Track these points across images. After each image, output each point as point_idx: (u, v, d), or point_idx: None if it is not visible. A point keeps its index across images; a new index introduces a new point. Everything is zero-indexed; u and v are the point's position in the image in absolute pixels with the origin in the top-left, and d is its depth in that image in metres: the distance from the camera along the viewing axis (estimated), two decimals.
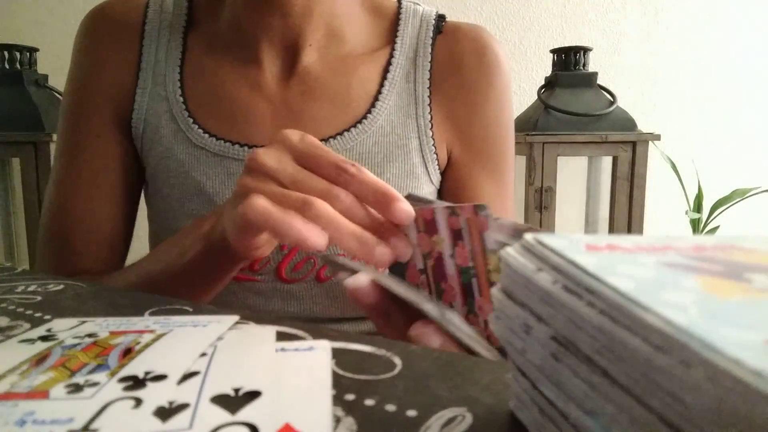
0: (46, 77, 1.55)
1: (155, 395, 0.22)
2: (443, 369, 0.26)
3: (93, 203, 0.60)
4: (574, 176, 1.74)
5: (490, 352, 0.30)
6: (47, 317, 0.33)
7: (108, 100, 0.60)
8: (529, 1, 1.82)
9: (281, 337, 0.29)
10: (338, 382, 0.24)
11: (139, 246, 0.64)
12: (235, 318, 0.32)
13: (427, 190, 0.61)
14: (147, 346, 0.28)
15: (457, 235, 0.35)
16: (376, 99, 0.59)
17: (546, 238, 0.20)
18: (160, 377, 0.24)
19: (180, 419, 0.21)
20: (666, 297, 0.15)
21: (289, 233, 0.33)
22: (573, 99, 1.50)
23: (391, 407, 0.22)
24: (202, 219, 0.47)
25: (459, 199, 0.62)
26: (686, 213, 1.69)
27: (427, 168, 0.60)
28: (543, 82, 1.60)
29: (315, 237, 0.34)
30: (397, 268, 0.38)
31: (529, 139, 1.44)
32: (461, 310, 0.36)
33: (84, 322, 0.32)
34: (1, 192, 1.66)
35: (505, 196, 0.63)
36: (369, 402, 0.23)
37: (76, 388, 0.23)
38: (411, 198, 0.37)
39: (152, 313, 0.34)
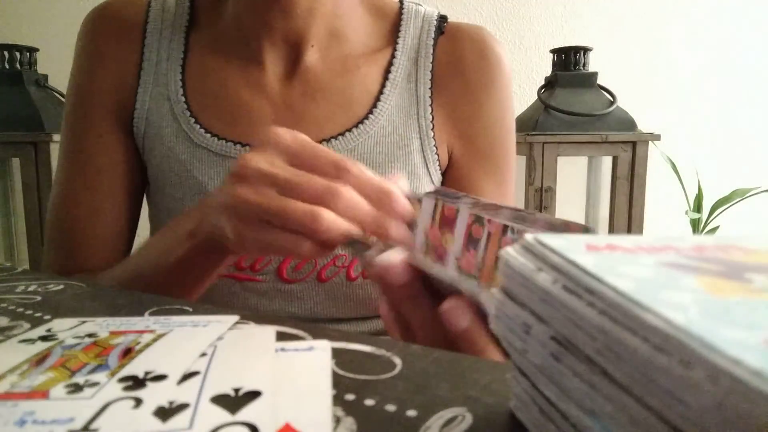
0: (46, 77, 1.55)
1: (155, 395, 0.22)
2: (443, 369, 0.26)
3: (96, 202, 0.60)
4: (574, 176, 1.74)
5: None
6: (47, 317, 0.33)
7: (110, 99, 0.60)
8: (529, 0, 1.82)
9: (281, 337, 0.29)
10: (338, 382, 0.24)
11: None
12: (235, 318, 0.32)
13: (428, 190, 0.61)
14: (147, 346, 0.28)
15: (472, 242, 0.34)
16: (377, 99, 0.59)
17: (546, 238, 0.20)
18: (160, 377, 0.24)
19: (180, 419, 0.21)
20: (666, 297, 0.15)
21: (319, 228, 0.33)
22: (573, 99, 1.50)
23: (391, 407, 0.22)
24: (186, 215, 0.46)
25: None
26: (686, 213, 1.69)
27: (428, 168, 0.60)
28: (543, 82, 1.60)
29: (345, 226, 0.33)
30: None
31: (529, 139, 1.44)
32: None
33: (84, 322, 0.32)
34: (1, 192, 1.66)
35: (505, 197, 0.64)
36: (369, 402, 0.23)
37: (76, 388, 0.23)
38: (438, 192, 0.36)
39: (152, 313, 0.34)
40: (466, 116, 0.61)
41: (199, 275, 0.47)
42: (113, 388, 0.23)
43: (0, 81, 1.47)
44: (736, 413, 0.12)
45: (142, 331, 0.30)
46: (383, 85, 0.60)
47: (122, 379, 0.24)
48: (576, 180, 1.76)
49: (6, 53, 1.48)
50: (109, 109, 0.60)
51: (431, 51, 0.61)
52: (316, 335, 0.30)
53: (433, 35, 0.62)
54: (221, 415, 0.21)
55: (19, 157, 1.42)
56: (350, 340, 0.29)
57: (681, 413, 0.14)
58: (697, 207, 1.70)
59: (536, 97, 1.55)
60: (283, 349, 0.28)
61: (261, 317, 0.32)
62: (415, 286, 0.32)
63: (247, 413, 0.21)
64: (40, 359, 0.26)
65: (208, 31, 0.61)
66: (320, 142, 0.57)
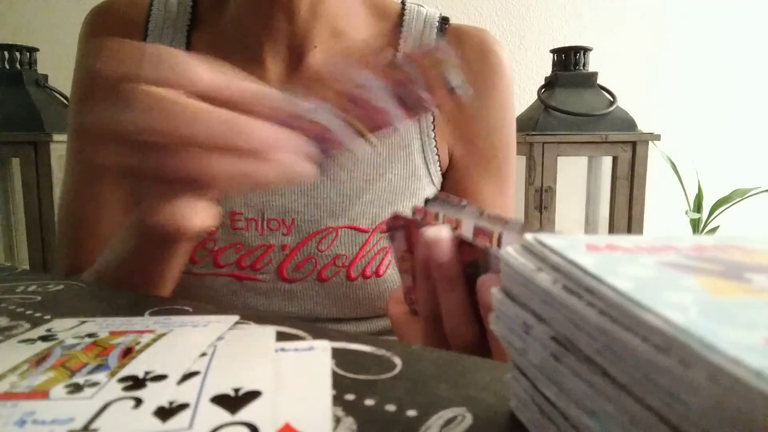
0: (46, 77, 1.55)
1: (155, 395, 0.22)
2: (443, 369, 0.26)
3: (101, 199, 0.60)
4: (574, 176, 1.74)
5: None
6: (47, 317, 0.33)
7: (111, 96, 0.60)
8: (529, 0, 1.82)
9: (281, 337, 0.29)
10: (338, 382, 0.24)
11: None
12: (235, 318, 0.32)
13: (429, 191, 0.61)
14: (147, 346, 0.28)
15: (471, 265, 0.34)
16: None
17: (546, 237, 0.20)
18: (160, 377, 0.24)
19: (180, 419, 0.21)
20: (666, 297, 0.15)
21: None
22: (573, 99, 1.50)
23: (391, 407, 0.22)
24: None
25: None
26: (686, 213, 1.69)
27: (429, 169, 0.60)
28: (543, 82, 1.60)
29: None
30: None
31: (529, 139, 1.44)
32: None
33: (84, 322, 0.32)
34: (1, 192, 1.66)
35: (505, 198, 0.64)
36: (369, 402, 0.23)
37: (76, 388, 0.23)
38: (439, 199, 0.35)
39: (152, 313, 0.34)
40: (467, 118, 0.61)
41: (157, 266, 0.45)
42: (113, 388, 0.23)
43: (0, 81, 1.46)
44: (736, 413, 0.12)
45: (142, 331, 0.30)
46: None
47: (122, 379, 0.24)
48: (576, 180, 1.76)
49: (6, 53, 1.48)
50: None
51: None
52: (316, 335, 0.30)
53: (434, 36, 0.62)
54: (221, 415, 0.21)
55: (19, 157, 1.42)
56: (350, 340, 0.29)
57: (681, 413, 0.14)
58: (697, 207, 1.71)
59: (536, 97, 1.55)
60: (283, 349, 0.28)
61: (261, 317, 0.32)
62: (455, 266, 0.32)
63: (247, 413, 0.21)
64: (40, 359, 0.27)
65: (210, 30, 0.61)
66: None
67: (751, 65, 1.87)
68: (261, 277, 0.57)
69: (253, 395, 0.22)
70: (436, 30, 0.62)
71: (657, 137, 1.51)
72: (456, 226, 0.33)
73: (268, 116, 0.33)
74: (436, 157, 0.61)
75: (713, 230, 1.72)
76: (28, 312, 0.34)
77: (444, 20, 0.64)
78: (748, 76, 1.87)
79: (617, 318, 0.16)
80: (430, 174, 0.60)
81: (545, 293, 0.19)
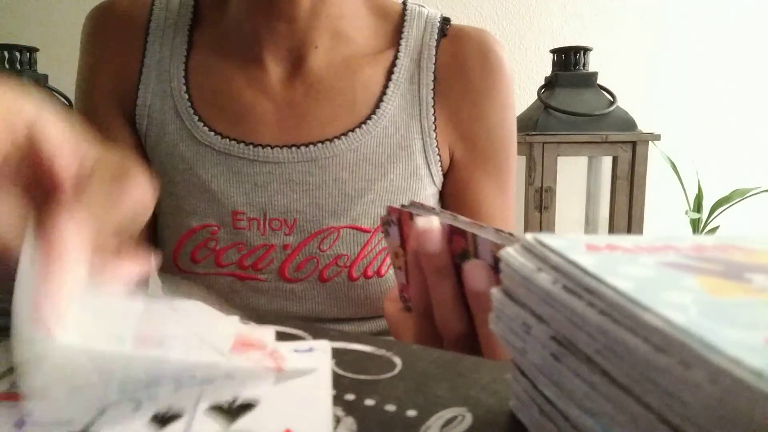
0: (46, 77, 1.55)
1: (154, 400, 0.22)
2: (443, 369, 0.26)
3: None
4: (574, 176, 1.74)
5: None
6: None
7: (112, 94, 0.60)
8: (529, 0, 1.82)
9: (281, 337, 0.29)
10: (338, 382, 0.24)
11: None
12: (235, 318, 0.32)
13: (430, 191, 0.61)
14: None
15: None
16: (380, 100, 0.59)
17: (546, 238, 0.20)
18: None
19: (174, 429, 0.20)
20: (666, 297, 0.15)
21: None
22: (573, 99, 1.50)
23: (391, 407, 0.22)
24: None
25: (460, 200, 0.63)
26: (686, 213, 1.69)
27: (430, 169, 0.60)
28: (543, 82, 1.60)
29: None
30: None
31: (529, 139, 1.44)
32: None
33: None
34: None
35: (506, 199, 0.64)
36: (369, 402, 0.23)
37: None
38: (414, 206, 0.36)
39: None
40: (468, 118, 0.61)
41: None
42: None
43: None
44: (736, 413, 0.12)
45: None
46: (386, 86, 0.60)
47: None
48: (576, 180, 1.75)
49: (6, 53, 1.48)
50: (112, 103, 0.60)
51: (434, 53, 0.61)
52: (316, 335, 0.30)
53: (435, 37, 0.62)
54: (216, 425, 0.21)
55: None
56: (350, 340, 0.29)
57: (681, 413, 0.14)
58: (697, 207, 1.70)
59: (536, 97, 1.55)
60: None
61: (261, 317, 0.32)
62: (445, 255, 0.32)
63: (242, 424, 0.21)
64: None
65: (212, 29, 0.61)
66: (323, 142, 0.57)
67: (752, 65, 1.87)
68: (262, 276, 0.57)
69: (249, 405, 0.22)
70: (437, 31, 0.62)
71: (657, 137, 1.51)
72: None
73: None
74: (438, 157, 0.61)
75: (713, 230, 1.71)
76: None
77: (445, 21, 0.64)
78: (748, 76, 1.87)
79: (617, 318, 0.16)
80: (431, 174, 0.61)
81: (545, 293, 0.19)
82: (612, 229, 1.54)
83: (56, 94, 1.54)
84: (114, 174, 0.29)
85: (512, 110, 0.64)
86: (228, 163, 0.57)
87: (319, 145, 0.57)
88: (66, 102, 1.52)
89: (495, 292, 0.22)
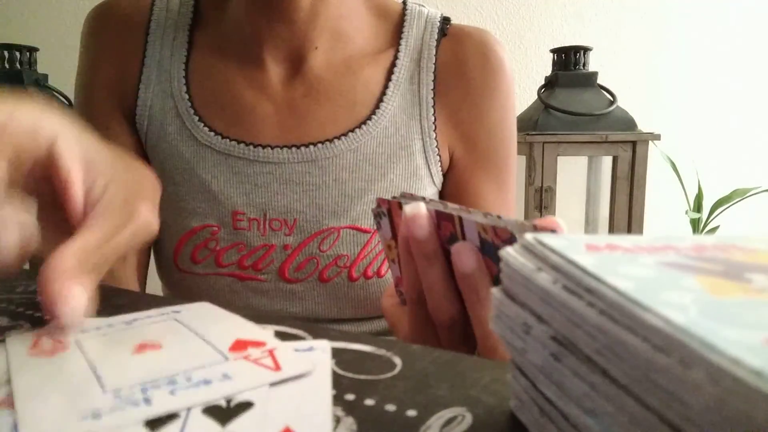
0: (46, 77, 1.55)
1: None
2: (443, 369, 0.26)
3: None
4: (574, 176, 1.74)
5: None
6: (47, 317, 0.33)
7: (112, 94, 0.60)
8: (529, 1, 1.82)
9: (281, 337, 0.29)
10: (338, 382, 0.24)
11: None
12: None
13: (430, 191, 0.61)
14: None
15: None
16: (380, 100, 0.59)
17: (546, 237, 0.20)
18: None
19: (169, 430, 0.20)
20: (666, 297, 0.15)
21: None
22: (573, 99, 1.50)
23: (391, 407, 0.22)
24: None
25: (460, 201, 0.63)
26: (686, 213, 1.68)
27: (430, 169, 0.60)
28: (543, 82, 1.60)
29: None
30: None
31: (529, 138, 1.44)
32: None
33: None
34: None
35: (506, 199, 0.64)
36: (369, 402, 0.23)
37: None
38: (404, 196, 0.36)
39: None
40: (468, 119, 0.61)
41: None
42: None
43: (0, 81, 1.46)
44: (736, 413, 0.12)
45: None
46: (386, 86, 0.60)
47: None
48: (576, 180, 1.75)
49: (6, 53, 1.48)
50: (113, 103, 0.60)
51: (434, 53, 0.61)
52: (316, 335, 0.30)
53: (436, 37, 0.62)
54: (211, 426, 0.21)
55: None
56: (350, 340, 0.29)
57: (681, 413, 0.14)
58: (697, 207, 1.70)
59: (536, 97, 1.55)
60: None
61: (261, 317, 0.32)
62: (434, 241, 0.32)
63: (238, 426, 0.21)
64: None
65: (212, 30, 0.61)
66: (323, 142, 0.57)
67: (752, 65, 1.87)
68: (263, 277, 0.57)
69: (245, 406, 0.22)
70: (437, 30, 0.62)
71: (657, 137, 1.51)
72: None
73: None
74: (438, 157, 0.61)
75: (713, 230, 1.71)
76: (28, 312, 0.34)
77: (445, 20, 0.64)
78: (749, 76, 1.87)
79: (617, 318, 0.16)
80: (431, 174, 0.60)
81: (545, 293, 0.19)
82: (612, 229, 1.54)
83: (56, 94, 1.54)
84: (126, 196, 0.30)
85: (512, 110, 0.64)
86: (228, 163, 0.57)
87: (319, 145, 0.57)
88: (66, 102, 1.52)
89: (495, 291, 0.22)
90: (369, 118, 0.58)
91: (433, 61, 0.61)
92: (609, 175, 1.57)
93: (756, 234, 0.24)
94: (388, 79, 0.60)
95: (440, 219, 0.32)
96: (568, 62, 1.56)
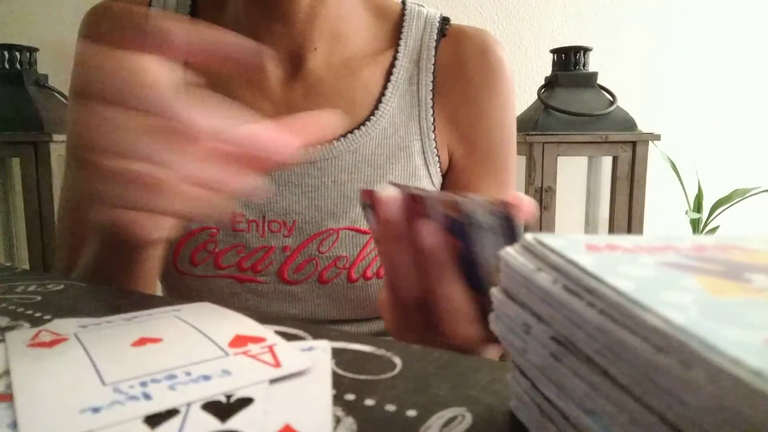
0: (46, 77, 1.55)
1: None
2: (443, 369, 0.26)
3: None
4: (574, 176, 1.74)
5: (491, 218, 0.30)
6: (47, 317, 0.33)
7: None
8: (529, 1, 1.82)
9: (281, 337, 0.29)
10: (338, 382, 0.24)
11: None
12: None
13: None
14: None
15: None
16: (379, 101, 0.59)
17: (546, 237, 0.20)
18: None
19: (169, 426, 0.20)
20: (666, 297, 0.15)
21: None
22: (573, 99, 1.50)
23: (391, 407, 0.22)
24: None
25: None
26: (686, 213, 1.69)
27: (429, 170, 0.60)
28: (543, 82, 1.60)
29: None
30: None
31: (529, 139, 1.44)
32: None
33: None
34: (1, 192, 1.66)
35: None
36: (369, 402, 0.23)
37: None
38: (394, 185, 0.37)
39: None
40: (467, 119, 0.61)
41: (126, 267, 0.45)
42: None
43: (0, 81, 1.46)
44: (736, 413, 0.12)
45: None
46: (385, 87, 0.60)
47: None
48: (576, 180, 1.76)
49: (6, 53, 1.48)
50: None
51: (433, 53, 0.61)
52: (316, 335, 0.30)
53: (435, 37, 0.62)
54: (211, 422, 0.21)
55: (19, 157, 1.42)
56: (350, 340, 0.29)
57: (681, 413, 0.14)
58: (697, 207, 1.70)
59: (536, 97, 1.55)
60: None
61: (261, 318, 0.32)
62: (401, 222, 0.33)
63: (237, 421, 0.21)
64: None
65: None
66: (322, 143, 0.57)
67: (752, 65, 1.87)
68: (262, 279, 0.57)
69: (245, 402, 0.22)
70: (436, 31, 0.62)
71: (657, 137, 1.51)
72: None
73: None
74: (437, 158, 0.60)
75: (713, 230, 1.71)
76: (28, 312, 0.34)
77: (445, 20, 0.64)
78: (748, 76, 1.87)
79: (617, 318, 0.16)
80: (430, 175, 0.60)
81: (545, 293, 0.19)
82: (612, 229, 1.54)
83: (56, 94, 1.54)
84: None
85: (512, 111, 0.64)
86: None
87: (318, 146, 0.57)
88: (66, 101, 1.52)
89: (495, 291, 0.22)
90: (368, 119, 0.58)
91: (433, 62, 0.61)
92: (609, 175, 1.57)
93: (756, 234, 0.24)
94: (387, 80, 0.60)
95: (413, 202, 0.33)
96: (568, 62, 1.56)
